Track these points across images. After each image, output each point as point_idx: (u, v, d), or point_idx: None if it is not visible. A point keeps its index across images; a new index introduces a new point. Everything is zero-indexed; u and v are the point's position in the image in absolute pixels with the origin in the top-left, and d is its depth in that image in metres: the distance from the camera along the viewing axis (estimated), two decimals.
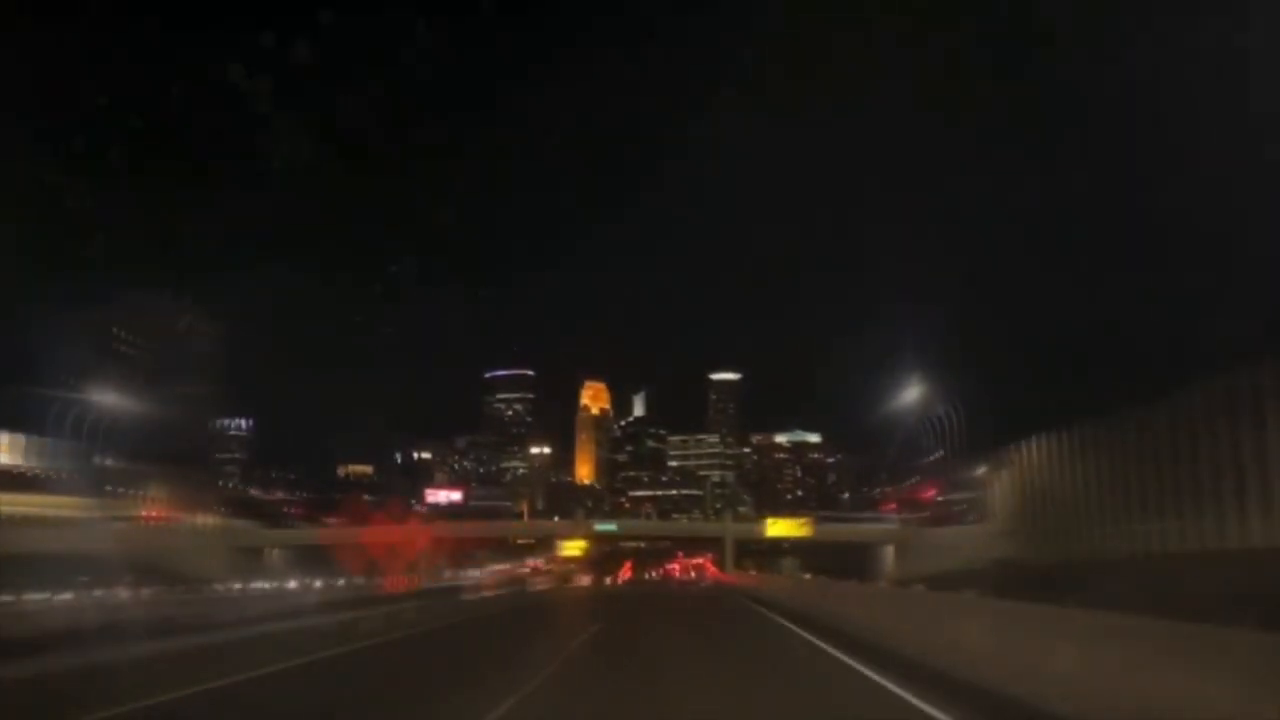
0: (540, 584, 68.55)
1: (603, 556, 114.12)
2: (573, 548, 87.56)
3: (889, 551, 66.87)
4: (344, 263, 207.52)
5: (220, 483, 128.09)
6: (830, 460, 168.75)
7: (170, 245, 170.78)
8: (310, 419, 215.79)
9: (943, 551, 46.29)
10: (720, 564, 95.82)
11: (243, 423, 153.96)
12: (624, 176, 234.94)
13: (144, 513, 69.00)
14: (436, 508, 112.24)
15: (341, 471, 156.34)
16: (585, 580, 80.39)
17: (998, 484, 40.93)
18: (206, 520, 73.98)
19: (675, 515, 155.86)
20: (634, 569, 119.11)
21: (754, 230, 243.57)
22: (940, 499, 59.85)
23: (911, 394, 58.91)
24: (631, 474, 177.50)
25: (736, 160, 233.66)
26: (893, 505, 79.87)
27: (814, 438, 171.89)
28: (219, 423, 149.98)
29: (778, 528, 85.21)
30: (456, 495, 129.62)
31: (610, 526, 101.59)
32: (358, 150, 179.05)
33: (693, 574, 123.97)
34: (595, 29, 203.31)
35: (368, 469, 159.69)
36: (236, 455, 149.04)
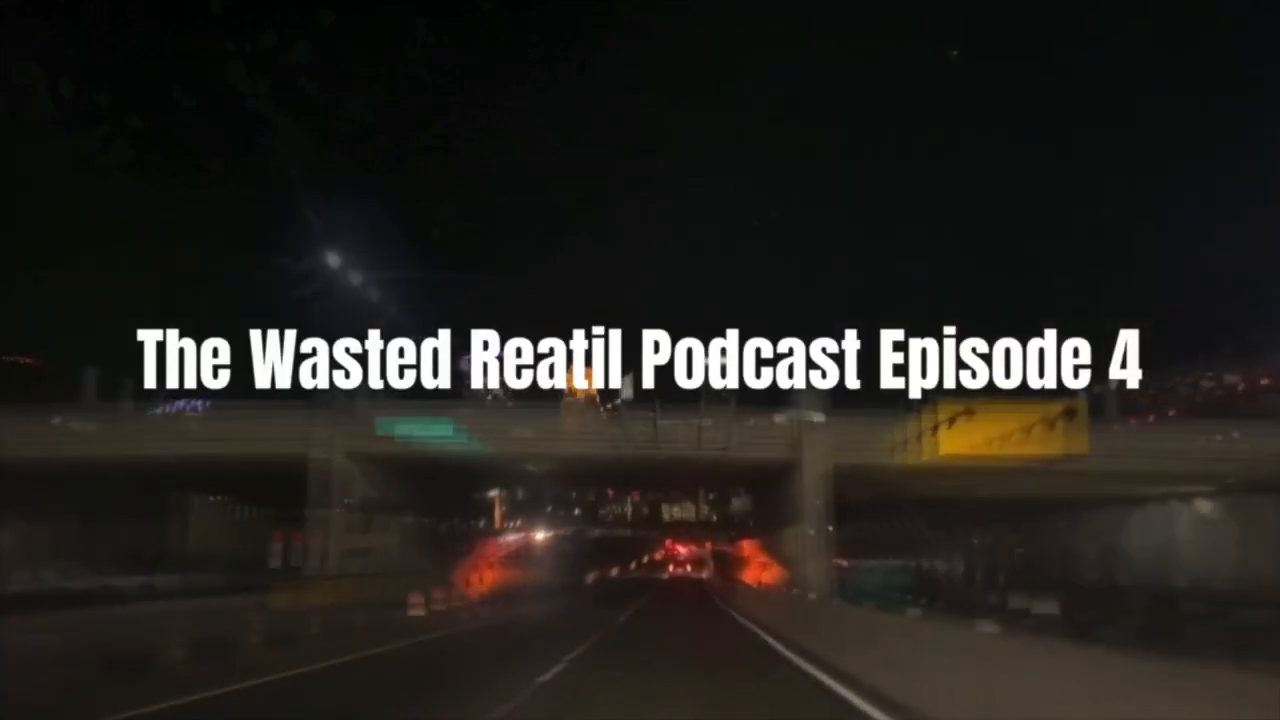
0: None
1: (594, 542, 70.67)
2: None
3: (1192, 514, 33.11)
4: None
5: None
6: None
7: (168, 243, 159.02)
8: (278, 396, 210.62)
9: None
10: (796, 564, 26.17)
11: (198, 405, 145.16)
12: (621, 174, 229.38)
13: None
14: None
15: None
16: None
17: None
18: None
19: (665, 504, 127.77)
20: (489, 570, 46.55)
21: (750, 211, 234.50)
22: None
23: None
24: None
25: (732, 151, 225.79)
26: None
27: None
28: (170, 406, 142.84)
29: (973, 434, 27.38)
30: None
31: (439, 429, 33.63)
32: (358, 150, 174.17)
33: (690, 570, 78.75)
34: (594, 29, 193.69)
35: None
36: None
